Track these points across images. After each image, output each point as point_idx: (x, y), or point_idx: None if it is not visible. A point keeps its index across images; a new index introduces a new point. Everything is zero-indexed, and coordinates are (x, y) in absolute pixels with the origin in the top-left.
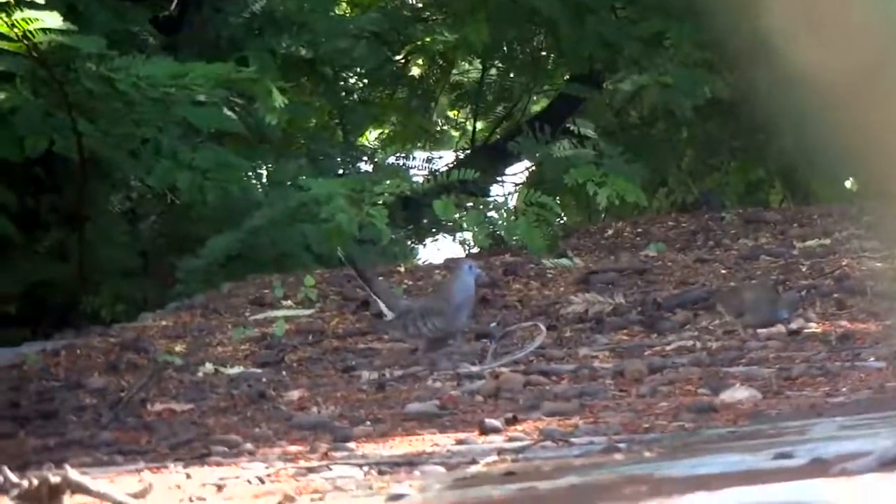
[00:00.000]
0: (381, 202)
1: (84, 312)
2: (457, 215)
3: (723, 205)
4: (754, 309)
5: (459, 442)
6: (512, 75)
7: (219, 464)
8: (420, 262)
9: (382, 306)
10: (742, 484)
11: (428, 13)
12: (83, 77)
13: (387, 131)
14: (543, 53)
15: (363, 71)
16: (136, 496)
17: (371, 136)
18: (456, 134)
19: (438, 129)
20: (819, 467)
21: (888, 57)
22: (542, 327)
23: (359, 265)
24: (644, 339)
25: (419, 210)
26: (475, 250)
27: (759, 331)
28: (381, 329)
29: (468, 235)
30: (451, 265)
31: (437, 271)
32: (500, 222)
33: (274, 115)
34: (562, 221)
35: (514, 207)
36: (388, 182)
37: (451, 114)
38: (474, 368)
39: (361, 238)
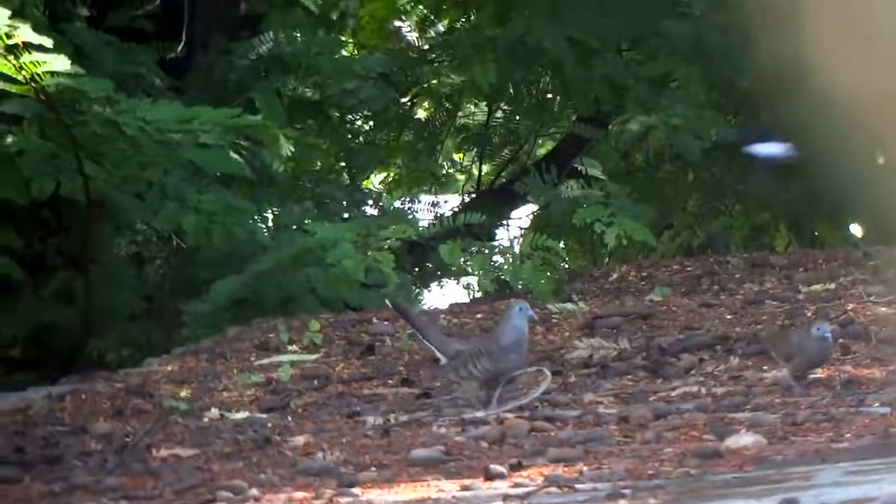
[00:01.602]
0: (387, 247)
1: (89, 356)
2: (462, 260)
3: (728, 248)
4: (803, 352)
5: (464, 488)
6: (518, 117)
7: None
8: (425, 307)
9: (436, 352)
10: None
11: (434, 55)
12: (90, 120)
13: (392, 174)
14: (549, 95)
15: (369, 113)
16: None
17: (376, 180)
18: (461, 177)
19: (444, 172)
20: None
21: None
22: (547, 372)
23: (409, 312)
24: (649, 385)
25: (424, 254)
26: (479, 294)
27: (765, 376)
28: (438, 374)
29: (473, 280)
30: (503, 306)
31: (442, 315)
32: (505, 267)
33: (281, 162)
34: (566, 266)
35: (519, 251)
36: (393, 227)
37: (456, 157)
38: (479, 414)
39: (367, 282)
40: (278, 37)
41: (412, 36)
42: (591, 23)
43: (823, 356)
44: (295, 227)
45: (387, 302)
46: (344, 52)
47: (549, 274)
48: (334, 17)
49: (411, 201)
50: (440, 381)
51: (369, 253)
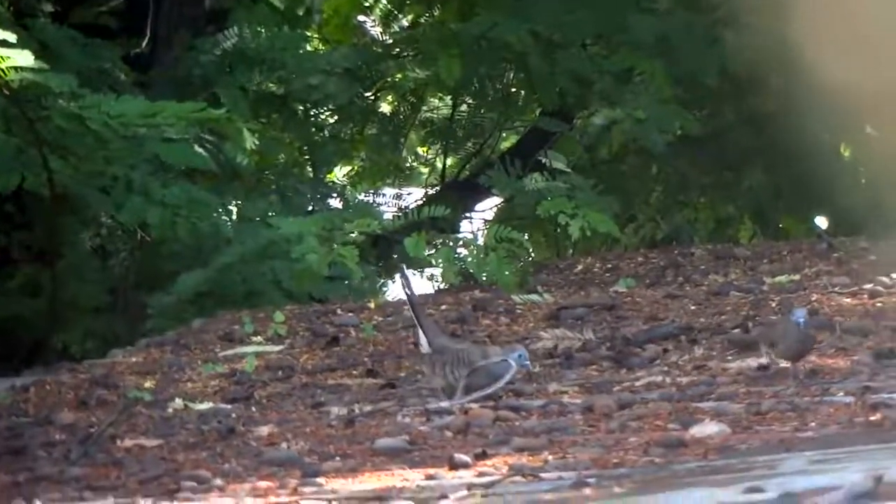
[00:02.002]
0: (351, 241)
1: (54, 349)
2: (427, 252)
3: (692, 241)
4: (787, 340)
5: (429, 477)
6: (482, 111)
7: (188, 499)
8: (389, 299)
9: (422, 338)
10: None
11: (399, 49)
12: (55, 115)
13: (356, 168)
14: (514, 89)
15: (333, 107)
16: None
17: (339, 173)
18: (425, 170)
19: (408, 165)
20: (789, 501)
21: (860, 97)
22: (512, 363)
23: (412, 291)
24: (613, 375)
25: (389, 246)
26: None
27: (729, 366)
28: (415, 359)
29: (437, 272)
30: (507, 344)
31: (406, 308)
32: (470, 259)
33: (245, 155)
34: (531, 258)
35: (483, 243)
36: (358, 220)
37: (420, 150)
38: (444, 404)
39: (331, 275)
40: (243, 32)
41: (376, 31)
42: (556, 17)
43: (805, 341)
44: (259, 220)
45: (401, 267)
46: (308, 48)
47: (513, 266)
48: (299, 13)
49: (375, 194)
50: (408, 369)
51: (334, 247)
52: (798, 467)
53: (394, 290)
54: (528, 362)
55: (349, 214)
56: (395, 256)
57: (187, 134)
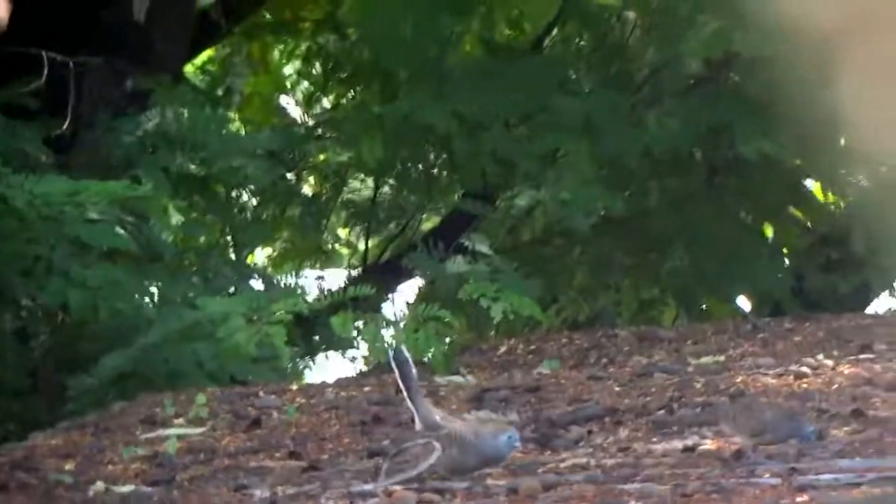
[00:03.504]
0: (278, 321)
1: None
2: (354, 331)
3: (615, 322)
4: (776, 426)
5: None
6: (405, 192)
7: None
8: (312, 382)
9: (416, 416)
10: None
11: (321, 130)
12: None
13: (276, 250)
14: (437, 170)
15: (255, 188)
16: None
17: (259, 255)
18: (346, 252)
19: (329, 246)
20: None
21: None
22: (436, 445)
23: (406, 369)
24: (538, 457)
25: (310, 328)
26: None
27: (654, 447)
28: (409, 438)
29: (358, 353)
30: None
31: (329, 389)
32: (400, 337)
33: (170, 232)
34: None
35: (404, 325)
36: (284, 301)
37: (341, 231)
38: (367, 486)
39: (255, 356)
40: (164, 113)
41: (297, 112)
42: (479, 99)
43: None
44: (181, 301)
45: (389, 353)
46: (231, 128)
47: (442, 343)
48: (220, 93)
49: (297, 276)
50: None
51: (261, 326)
52: None
53: (316, 373)
54: (518, 444)
55: (273, 295)
56: (317, 338)
57: (109, 214)
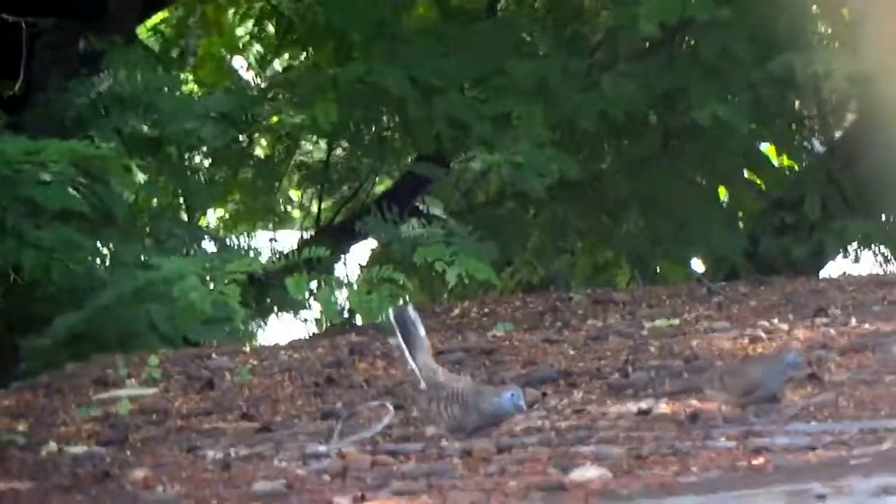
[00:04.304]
0: (233, 281)
1: None
2: (307, 293)
3: (568, 286)
4: (765, 382)
5: None
6: (358, 155)
7: None
8: (265, 344)
9: (418, 375)
10: None
11: (274, 93)
12: None
13: (229, 211)
14: (390, 133)
15: (208, 150)
16: None
17: (212, 217)
18: (299, 214)
19: (282, 209)
20: None
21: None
22: (390, 407)
23: (409, 328)
24: None
25: (262, 289)
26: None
27: (609, 410)
28: (413, 398)
29: (310, 315)
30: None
31: (283, 351)
32: (354, 298)
33: (132, 190)
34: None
35: (358, 287)
36: (238, 262)
37: (293, 194)
38: (321, 448)
39: (208, 318)
40: (118, 74)
41: (250, 74)
42: (433, 62)
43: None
44: (134, 263)
45: (391, 312)
46: (184, 89)
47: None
48: (174, 55)
49: (250, 237)
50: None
51: (215, 286)
52: None
53: (269, 334)
54: (521, 402)
55: (227, 257)
56: (269, 300)
57: (67, 175)
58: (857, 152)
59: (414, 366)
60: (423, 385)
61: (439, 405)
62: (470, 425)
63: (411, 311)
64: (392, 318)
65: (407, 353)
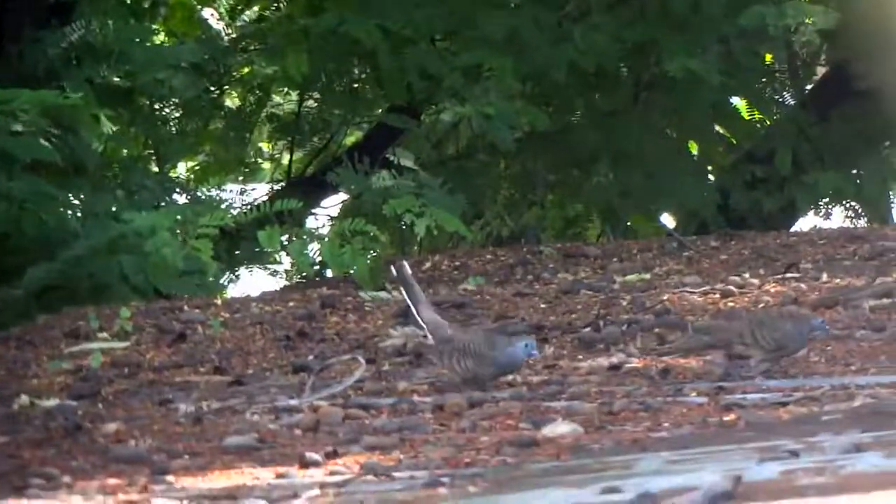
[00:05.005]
0: (204, 234)
1: None
2: (280, 245)
3: (538, 239)
4: (794, 335)
5: (280, 476)
6: (329, 107)
7: (37, 497)
8: (236, 296)
9: (426, 331)
10: None
11: (245, 43)
12: None
13: (199, 163)
14: (362, 85)
15: (179, 101)
16: None
17: (182, 168)
18: (269, 166)
19: (253, 160)
20: (647, 502)
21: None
22: (361, 360)
23: (410, 283)
24: None
25: (234, 242)
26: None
27: (580, 365)
28: (425, 352)
29: (280, 268)
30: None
31: (254, 304)
32: (325, 251)
33: (101, 140)
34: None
35: (329, 239)
36: (211, 214)
37: (263, 145)
38: (293, 402)
39: (181, 271)
40: (90, 25)
41: (221, 25)
42: (405, 13)
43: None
44: (105, 215)
45: (391, 268)
46: (155, 40)
47: (367, 258)
48: (145, 5)
49: (220, 189)
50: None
51: (188, 240)
52: (654, 468)
53: (240, 287)
54: (535, 352)
55: (199, 209)
56: (239, 252)
57: (39, 125)
58: (828, 106)
59: (420, 320)
60: (431, 341)
61: (451, 359)
62: (486, 376)
63: (407, 266)
64: (395, 272)
65: (414, 309)
